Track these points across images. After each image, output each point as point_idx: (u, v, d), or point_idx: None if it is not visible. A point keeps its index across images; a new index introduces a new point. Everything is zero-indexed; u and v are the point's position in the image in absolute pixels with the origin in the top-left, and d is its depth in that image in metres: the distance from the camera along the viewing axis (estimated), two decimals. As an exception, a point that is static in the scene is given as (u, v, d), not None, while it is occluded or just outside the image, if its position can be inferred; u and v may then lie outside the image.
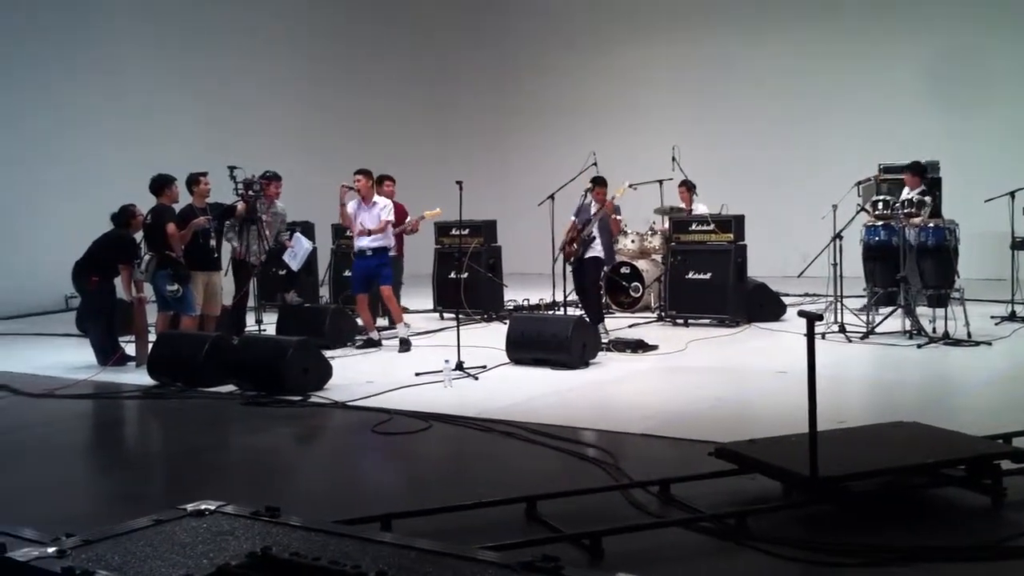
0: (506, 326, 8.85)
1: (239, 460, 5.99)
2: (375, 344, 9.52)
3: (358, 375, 7.96)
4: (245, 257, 9.45)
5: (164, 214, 8.66)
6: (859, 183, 11.00)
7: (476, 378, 7.72)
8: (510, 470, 5.27)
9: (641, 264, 11.88)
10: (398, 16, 19.20)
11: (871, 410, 6.35)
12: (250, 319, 9.57)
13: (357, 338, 9.66)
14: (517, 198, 14.82)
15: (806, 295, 12.05)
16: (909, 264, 9.25)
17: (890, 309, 9.42)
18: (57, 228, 12.58)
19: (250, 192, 9.15)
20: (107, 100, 14.24)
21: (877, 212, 9.63)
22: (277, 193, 9.91)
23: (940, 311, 9.04)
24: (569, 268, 9.72)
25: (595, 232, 9.37)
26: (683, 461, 4.99)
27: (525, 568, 1.95)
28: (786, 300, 11.31)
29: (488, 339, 9.25)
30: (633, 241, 12.20)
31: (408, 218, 10.60)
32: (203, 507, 2.38)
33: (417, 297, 12.33)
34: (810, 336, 3.88)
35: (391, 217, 9.55)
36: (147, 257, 8.65)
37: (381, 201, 9.55)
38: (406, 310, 10.55)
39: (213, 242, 9.03)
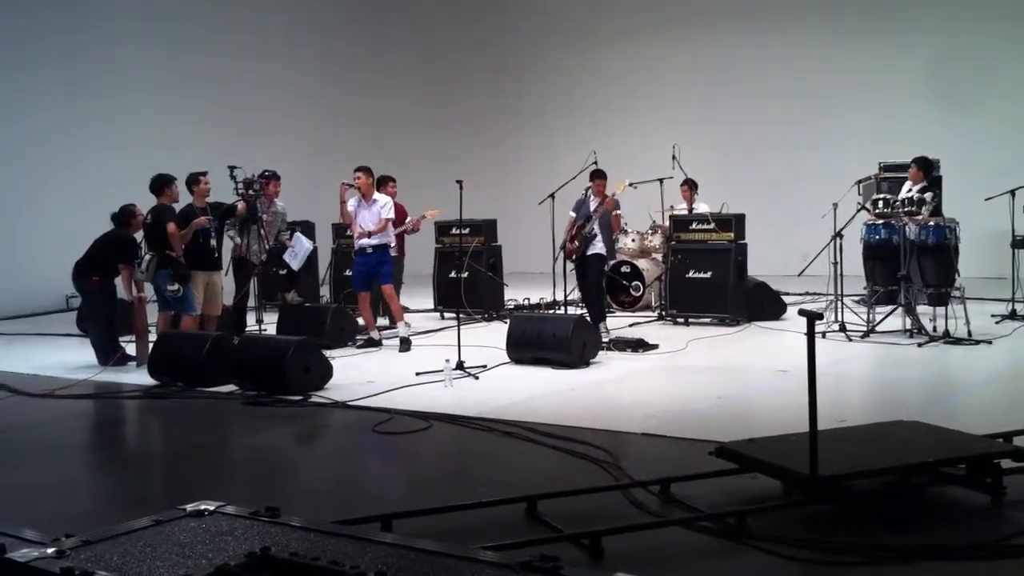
0: (506, 325, 8.85)
1: (240, 460, 6.00)
2: (375, 344, 9.52)
3: (359, 375, 7.96)
4: (246, 255, 9.46)
5: (164, 214, 8.67)
6: (859, 182, 11.00)
7: (476, 377, 7.72)
8: (510, 470, 5.27)
9: (641, 263, 11.88)
10: (398, 16, 19.20)
11: (871, 409, 6.34)
12: (251, 319, 9.57)
13: (358, 338, 9.66)
14: (517, 197, 14.84)
15: (806, 294, 12.05)
16: (909, 263, 9.24)
17: (891, 308, 9.42)
18: (57, 228, 12.58)
19: (250, 192, 9.15)
20: (107, 100, 14.25)
21: (877, 211, 9.63)
22: (276, 192, 9.92)
23: (940, 310, 9.04)
24: (571, 267, 9.71)
25: (596, 229, 9.36)
26: (683, 460, 4.99)
27: (524, 568, 1.94)
28: (786, 299, 11.30)
29: (488, 338, 9.25)
30: (633, 240, 12.20)
31: (408, 218, 10.60)
32: (202, 507, 2.38)
33: (417, 296, 12.33)
34: (810, 335, 3.88)
35: (391, 215, 9.55)
36: (147, 257, 8.65)
37: (381, 198, 9.55)
38: (406, 309, 10.55)
39: (213, 242, 9.04)
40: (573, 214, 9.54)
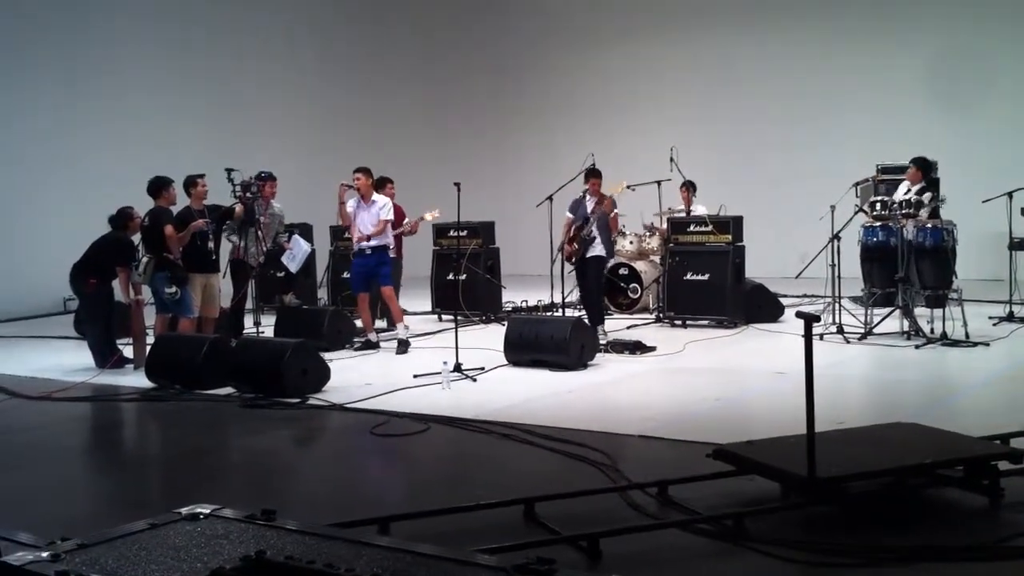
0: (504, 327, 8.84)
1: (237, 462, 5.99)
2: (373, 346, 9.52)
3: (356, 377, 7.96)
4: (243, 258, 9.45)
5: (162, 216, 8.66)
6: (857, 184, 11.00)
7: (474, 380, 7.72)
8: (508, 472, 5.27)
9: (639, 265, 11.88)
10: (398, 16, 19.21)
11: (869, 411, 6.34)
12: (248, 321, 9.56)
13: (355, 340, 9.66)
14: (517, 198, 14.83)
15: (804, 296, 12.06)
16: (907, 265, 9.24)
17: (888, 310, 9.42)
18: (56, 230, 12.58)
19: (248, 194, 9.15)
20: (107, 100, 14.26)
21: (875, 213, 9.63)
22: (273, 193, 9.91)
23: (938, 312, 9.05)
24: (569, 269, 9.70)
25: (595, 231, 9.36)
26: (681, 462, 4.98)
27: (519, 571, 1.95)
28: (784, 301, 11.32)
29: (486, 341, 9.25)
30: (631, 242, 12.20)
31: (407, 219, 10.60)
32: (198, 511, 2.38)
33: (415, 299, 12.33)
34: (808, 337, 3.88)
35: (390, 216, 9.55)
36: (145, 259, 8.64)
37: (380, 200, 9.55)
38: (404, 311, 10.54)
39: (211, 244, 9.03)
40: (570, 215, 9.53)
